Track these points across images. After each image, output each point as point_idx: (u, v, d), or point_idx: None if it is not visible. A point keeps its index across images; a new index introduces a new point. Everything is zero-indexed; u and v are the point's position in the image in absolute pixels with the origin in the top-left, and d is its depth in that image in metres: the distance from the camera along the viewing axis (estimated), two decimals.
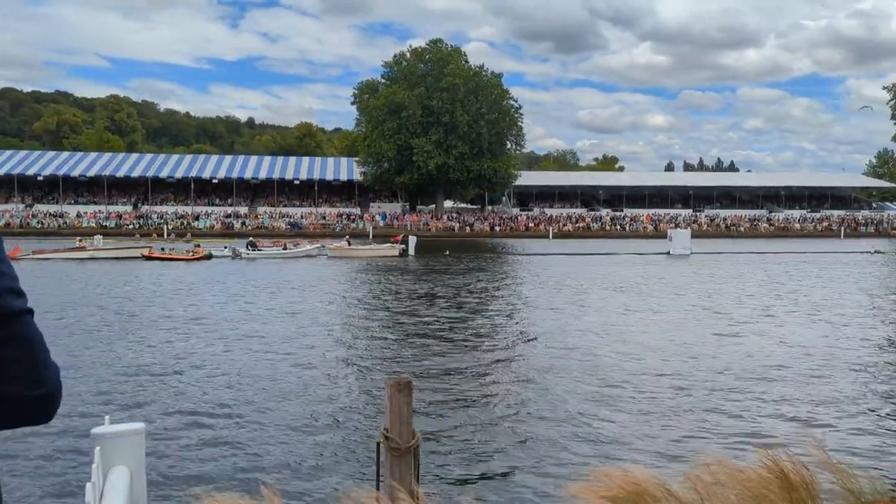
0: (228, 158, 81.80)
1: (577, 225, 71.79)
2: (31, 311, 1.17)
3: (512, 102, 70.45)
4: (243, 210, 72.55)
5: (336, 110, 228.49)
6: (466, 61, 69.99)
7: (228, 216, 69.65)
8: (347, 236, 48.61)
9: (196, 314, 18.09)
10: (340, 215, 71.37)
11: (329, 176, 76.79)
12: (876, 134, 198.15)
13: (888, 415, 9.60)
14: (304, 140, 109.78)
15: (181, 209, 71.21)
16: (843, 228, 70.57)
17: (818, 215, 76.62)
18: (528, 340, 14.70)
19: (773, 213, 77.58)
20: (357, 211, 73.65)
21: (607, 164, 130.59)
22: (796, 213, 77.23)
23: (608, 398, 10.08)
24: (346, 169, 77.90)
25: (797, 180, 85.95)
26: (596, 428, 8.71)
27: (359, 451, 7.78)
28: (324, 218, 70.37)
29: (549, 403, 9.75)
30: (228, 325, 16.47)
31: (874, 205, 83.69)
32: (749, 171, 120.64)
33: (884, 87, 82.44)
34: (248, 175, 75.59)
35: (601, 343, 14.39)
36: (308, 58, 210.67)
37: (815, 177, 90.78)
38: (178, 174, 74.07)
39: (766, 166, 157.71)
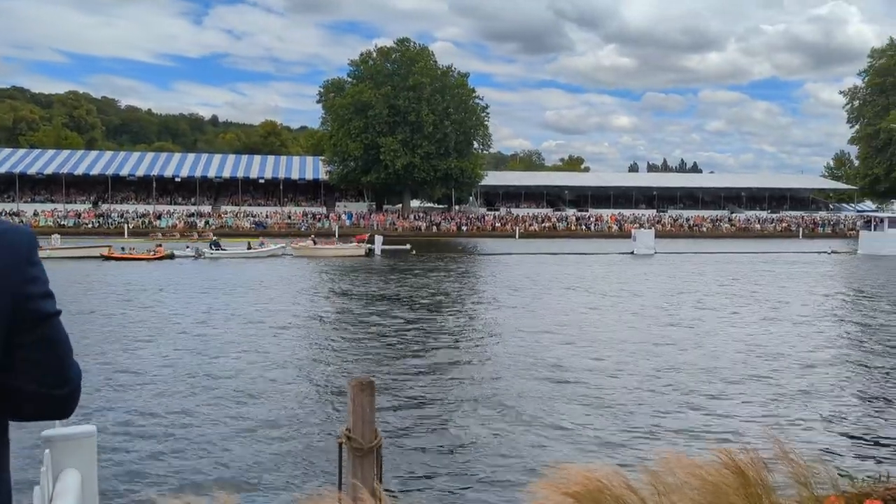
0: (191, 156, 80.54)
1: (544, 225, 72.28)
2: (59, 313, 1.21)
3: (479, 102, 70.66)
4: (206, 209, 71.50)
5: (302, 109, 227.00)
6: (434, 61, 69.98)
7: (191, 215, 68.58)
8: (313, 235, 48.22)
9: (154, 315, 17.77)
10: (306, 214, 70.79)
11: (294, 175, 76.10)
12: (833, 136, 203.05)
13: (840, 409, 9.84)
14: (269, 138, 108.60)
15: (142, 208, 69.93)
16: (801, 229, 72.20)
17: (778, 216, 78.31)
18: (491, 340, 14.73)
19: (735, 214, 79.07)
20: (323, 210, 73.13)
21: (573, 164, 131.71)
22: (757, 214, 78.85)
23: (568, 397, 10.14)
24: (311, 168, 77.27)
25: (758, 182, 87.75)
26: (556, 426, 8.76)
27: (321, 452, 7.70)
28: (289, 217, 69.73)
29: (511, 402, 9.77)
30: (188, 326, 16.18)
31: (831, 206, 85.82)
32: (712, 172, 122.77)
33: (840, 92, 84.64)
34: (211, 174, 74.52)
35: (561, 342, 14.47)
36: (273, 55, 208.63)
37: (775, 178, 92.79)
38: (140, 172, 72.72)
39: (728, 167, 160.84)
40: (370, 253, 40.83)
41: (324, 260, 37.86)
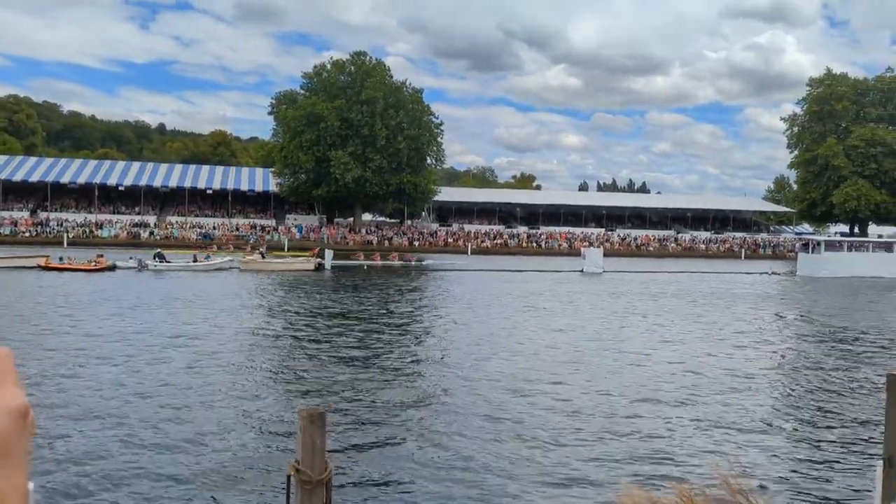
0: (136, 165, 78.41)
1: (495, 241, 72.61)
2: None
3: (433, 118, 70.77)
4: (151, 219, 69.56)
5: (252, 119, 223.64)
6: (390, 76, 69.89)
7: (135, 225, 66.63)
8: (261, 248, 47.29)
9: (88, 331, 16.89)
10: (254, 227, 69.52)
11: (244, 186, 74.80)
12: (773, 160, 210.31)
13: (786, 433, 9.92)
14: (219, 148, 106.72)
15: (83, 217, 67.59)
16: (743, 250, 74.22)
17: (721, 237, 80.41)
18: (443, 364, 14.47)
19: (681, 234, 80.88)
20: (272, 223, 71.98)
21: (525, 181, 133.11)
22: (702, 235, 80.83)
23: (519, 425, 9.95)
24: (261, 179, 76.07)
25: (703, 203, 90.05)
26: (507, 457, 8.56)
27: (267, 485, 7.32)
28: (237, 229, 68.39)
29: (463, 434, 9.49)
30: (124, 345, 15.27)
31: (772, 228, 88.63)
32: (659, 192, 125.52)
33: (781, 118, 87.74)
34: (157, 183, 72.66)
35: (510, 364, 14.34)
36: (223, 64, 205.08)
37: (719, 200, 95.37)
38: (82, 180, 70.40)
39: (674, 188, 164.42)
40: (320, 267, 40.20)
41: (273, 274, 37.10)
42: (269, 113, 71.70)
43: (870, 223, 79.99)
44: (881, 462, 5.43)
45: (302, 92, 70.21)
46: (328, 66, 70.29)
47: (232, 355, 14.50)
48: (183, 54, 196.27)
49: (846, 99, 78.53)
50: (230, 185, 74.10)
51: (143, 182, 71.96)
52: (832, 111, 78.74)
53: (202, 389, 11.41)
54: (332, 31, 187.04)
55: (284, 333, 17.72)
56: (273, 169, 71.54)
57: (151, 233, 64.91)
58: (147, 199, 72.50)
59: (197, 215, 72.55)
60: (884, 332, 20.44)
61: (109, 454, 8.19)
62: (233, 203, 74.12)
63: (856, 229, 79.49)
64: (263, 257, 41.82)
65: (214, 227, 68.28)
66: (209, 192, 73.43)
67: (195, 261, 39.45)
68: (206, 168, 79.68)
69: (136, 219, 68.85)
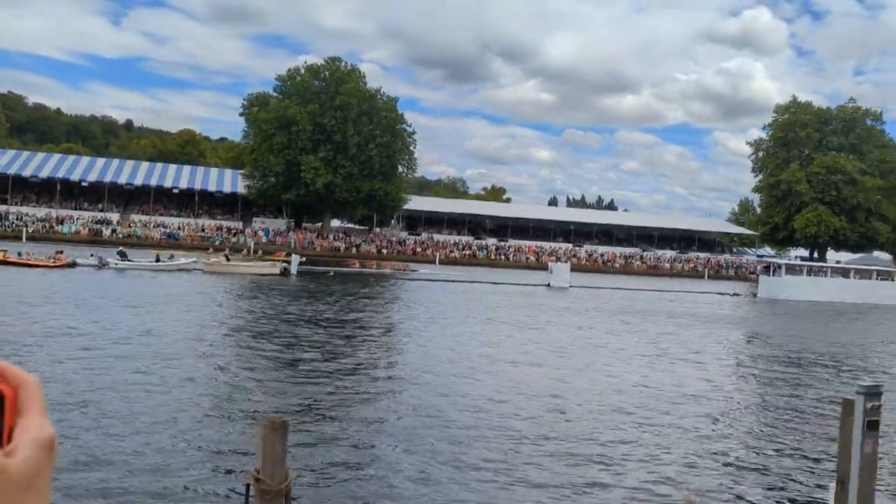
0: (101, 161, 76.87)
1: (464, 252, 72.73)
2: None
3: (406, 127, 70.78)
4: (114, 217, 68.22)
5: (223, 119, 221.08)
6: (364, 82, 69.79)
7: (98, 222, 65.29)
8: (227, 251, 46.71)
9: (44, 331, 16.40)
10: (220, 228, 68.64)
11: (211, 187, 73.88)
12: (739, 183, 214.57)
13: (741, 455, 10.06)
14: (187, 148, 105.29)
15: (44, 211, 66.02)
16: (707, 270, 75.47)
17: (686, 256, 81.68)
18: (407, 373, 14.37)
19: (646, 252, 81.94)
20: (239, 225, 71.15)
21: (495, 194, 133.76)
22: (667, 254, 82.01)
23: (478, 439, 9.90)
24: (230, 181, 75.21)
25: (669, 222, 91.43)
26: (468, 472, 8.52)
27: (224, 494, 7.18)
28: (202, 230, 67.44)
29: (422, 445, 9.43)
30: (81, 345, 14.80)
31: (735, 249, 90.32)
32: (626, 210, 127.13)
33: (748, 143, 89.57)
34: (122, 180, 71.39)
35: (472, 376, 14.32)
36: (195, 63, 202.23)
37: (685, 220, 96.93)
38: (44, 174, 68.84)
39: (641, 206, 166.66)
40: (285, 272, 39.81)
41: (236, 277, 36.62)
42: (241, 114, 71.02)
43: (828, 249, 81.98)
44: (834, 483, 5.53)
45: (275, 94, 69.72)
46: (302, 70, 69.94)
47: (187, 359, 14.15)
48: (154, 51, 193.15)
49: (810, 127, 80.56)
50: (197, 186, 73.14)
51: (107, 178, 70.62)
52: (796, 138, 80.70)
53: (155, 394, 11.10)
54: (308, 34, 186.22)
55: (244, 338, 17.48)
56: (242, 171, 70.80)
57: (114, 231, 63.68)
58: (111, 195, 71.14)
59: (162, 214, 71.40)
60: (839, 357, 20.91)
61: (62, 440, 7.97)
62: (199, 203, 73.14)
63: (815, 254, 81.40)
64: (228, 259, 41.27)
65: (179, 228, 67.25)
66: (175, 191, 72.36)
67: (158, 260, 38.78)
68: (173, 167, 78.55)
69: (99, 216, 67.47)
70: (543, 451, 9.31)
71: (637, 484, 8.23)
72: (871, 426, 5.35)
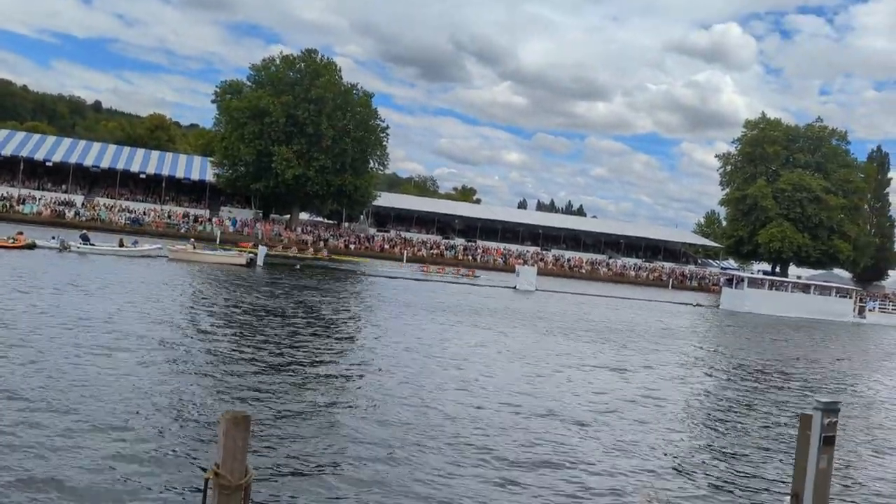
0: (67, 141, 75.22)
1: (432, 251, 72.71)
2: None
3: (379, 123, 70.51)
4: (78, 199, 66.76)
5: (194, 105, 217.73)
6: (340, 76, 69.34)
7: (61, 204, 63.85)
8: (192, 239, 46.02)
9: None
10: (187, 216, 67.64)
11: (179, 173, 72.83)
12: (704, 195, 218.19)
13: (697, 466, 10.19)
14: (156, 132, 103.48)
15: (6, 190, 64.33)
16: (671, 280, 76.56)
17: (651, 265, 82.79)
18: (370, 370, 14.24)
19: (613, 259, 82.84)
20: (206, 213, 70.20)
21: (465, 194, 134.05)
22: (632, 262, 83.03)
23: (441, 436, 9.88)
24: (198, 168, 74.21)
25: (636, 231, 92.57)
26: (430, 471, 8.49)
27: (179, 489, 7.03)
28: (168, 217, 66.40)
29: (388, 442, 9.35)
30: (29, 329, 14.21)
31: (699, 261, 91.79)
32: (594, 216, 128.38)
33: (716, 156, 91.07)
34: (88, 162, 70.00)
35: (435, 375, 14.30)
36: (167, 47, 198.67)
37: (652, 229, 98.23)
38: (7, 151, 67.15)
39: (608, 213, 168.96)
40: (251, 263, 39.36)
41: (201, 266, 36.10)
42: (213, 101, 70.06)
43: (790, 264, 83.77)
44: (789, 497, 5.62)
45: (248, 83, 68.97)
46: (277, 61, 69.25)
47: (143, 349, 13.73)
48: (125, 33, 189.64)
49: (778, 143, 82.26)
50: (165, 171, 72.06)
51: (72, 160, 69.18)
52: (764, 154, 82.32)
53: (106, 385, 10.76)
54: (282, 24, 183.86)
55: (204, 328, 17.20)
56: (212, 159, 69.91)
57: (77, 213, 62.33)
58: (76, 177, 69.70)
59: (127, 199, 70.16)
60: (797, 371, 21.34)
61: (8, 435, 7.73)
62: (166, 190, 72.07)
63: (777, 269, 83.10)
64: (194, 248, 40.69)
65: (145, 213, 66.13)
66: (142, 176, 71.18)
67: (121, 245, 38.07)
68: (141, 151, 77.28)
69: (63, 197, 66.03)
70: (502, 448, 9.32)
71: (587, 495, 8.29)
72: (827, 441, 5.45)
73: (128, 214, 64.85)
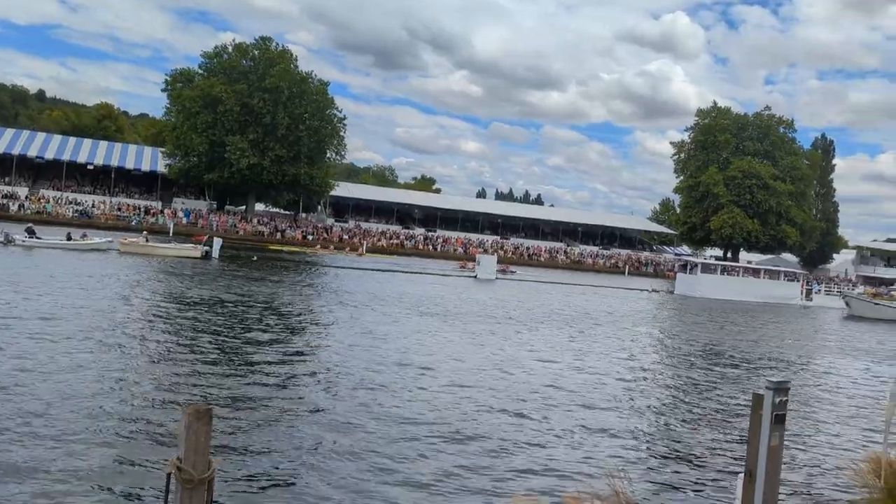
0: (10, 132, 72.60)
1: (392, 241, 72.51)
2: None
3: (336, 112, 69.84)
4: (23, 191, 64.63)
5: (142, 94, 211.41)
6: (295, 65, 68.39)
7: (4, 196, 61.73)
8: (145, 231, 45.03)
9: None
10: (138, 208, 66.10)
11: (129, 164, 71.08)
12: (657, 183, 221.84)
13: (654, 447, 10.43)
14: (104, 122, 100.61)
15: None
16: (628, 267, 77.81)
17: (608, 253, 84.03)
18: (330, 361, 14.16)
19: (571, 247, 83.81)
20: (158, 205, 68.71)
21: (425, 184, 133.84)
22: (590, 249, 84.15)
23: (403, 425, 9.88)
24: (149, 159, 72.55)
25: (593, 219, 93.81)
26: (394, 462, 8.50)
27: (143, 484, 6.92)
28: (118, 209, 64.80)
29: (351, 435, 9.32)
30: None
31: (654, 247, 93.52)
32: (552, 205, 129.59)
33: (671, 143, 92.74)
34: (32, 153, 67.80)
35: (395, 366, 14.28)
36: (113, 34, 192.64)
37: (608, 217, 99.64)
38: None
39: (565, 202, 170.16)
40: (206, 255, 38.69)
41: (154, 259, 35.35)
42: (163, 90, 68.50)
43: (741, 249, 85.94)
44: (742, 474, 5.79)
45: (200, 72, 67.58)
46: (230, 49, 68.00)
47: (107, 341, 13.50)
48: (69, 19, 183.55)
49: (728, 132, 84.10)
50: (114, 162, 70.23)
51: (15, 150, 66.93)
52: (716, 142, 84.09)
53: (63, 378, 10.53)
54: (232, 11, 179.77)
55: (164, 321, 16.89)
56: (163, 149, 68.41)
57: (22, 206, 60.38)
58: (20, 169, 67.47)
59: (75, 191, 68.24)
60: (749, 353, 21.96)
61: None
62: (116, 181, 70.29)
63: (729, 254, 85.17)
64: (147, 240, 39.82)
65: (94, 205, 64.38)
66: (90, 167, 69.26)
67: (69, 239, 37.02)
68: (88, 141, 75.08)
69: (6, 189, 63.82)
70: (463, 444, 9.40)
71: (536, 476, 8.42)
72: (778, 420, 5.61)
73: (75, 207, 63.09)
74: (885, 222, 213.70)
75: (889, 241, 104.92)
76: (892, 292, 52.24)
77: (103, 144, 75.11)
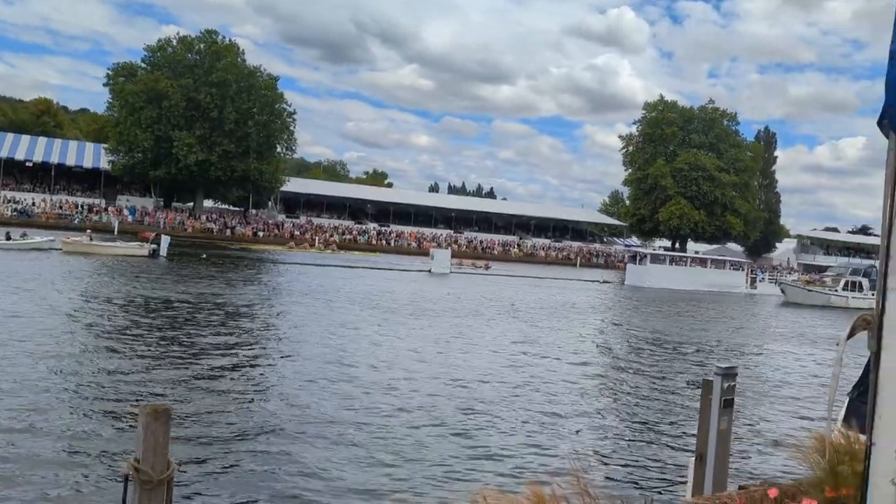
0: None
1: (345, 237, 71.99)
2: None
3: (285, 107, 68.93)
4: None
5: (83, 89, 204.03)
6: (243, 59, 67.20)
7: None
8: (89, 230, 43.77)
9: None
10: (80, 206, 64.14)
11: (70, 161, 68.89)
12: (607, 175, 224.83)
13: (607, 432, 10.67)
14: (42, 118, 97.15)
15: None
16: (579, 258, 78.90)
17: (560, 245, 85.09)
18: (273, 356, 14.09)
19: (523, 240, 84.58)
20: (101, 202, 66.80)
21: (377, 179, 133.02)
22: (542, 242, 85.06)
23: (359, 425, 9.87)
24: (91, 155, 70.43)
25: (544, 212, 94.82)
26: (357, 455, 8.50)
27: (96, 485, 6.76)
28: (60, 207, 62.78)
29: (311, 431, 9.25)
30: None
31: (605, 239, 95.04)
32: (504, 199, 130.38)
33: (620, 136, 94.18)
34: None
35: (353, 361, 14.25)
36: (50, 27, 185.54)
37: (559, 210, 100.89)
38: None
39: (517, 195, 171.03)
40: (154, 254, 37.80)
41: (100, 258, 34.39)
42: (105, 84, 66.58)
43: (689, 240, 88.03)
44: (693, 457, 5.97)
45: (143, 65, 65.87)
46: (174, 42, 66.43)
47: (53, 343, 13.10)
48: (2, 11, 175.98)
49: (675, 125, 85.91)
50: (54, 159, 67.97)
51: None
52: (663, 135, 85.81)
53: (16, 381, 10.27)
54: (175, 3, 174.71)
55: (111, 320, 16.47)
56: (106, 145, 66.49)
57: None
58: None
59: (13, 189, 65.83)
60: (698, 340, 22.55)
61: None
62: (56, 178, 68.07)
63: (677, 245, 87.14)
64: (91, 239, 38.70)
65: (34, 204, 62.24)
66: (29, 164, 66.90)
67: (8, 238, 35.73)
68: (26, 138, 72.40)
69: None
70: (425, 439, 9.45)
71: (493, 464, 8.54)
72: (727, 404, 5.79)
73: (14, 205, 60.88)
74: (823, 211, 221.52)
75: (827, 229, 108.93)
76: (825, 279, 54.14)
77: (42, 140, 72.58)
